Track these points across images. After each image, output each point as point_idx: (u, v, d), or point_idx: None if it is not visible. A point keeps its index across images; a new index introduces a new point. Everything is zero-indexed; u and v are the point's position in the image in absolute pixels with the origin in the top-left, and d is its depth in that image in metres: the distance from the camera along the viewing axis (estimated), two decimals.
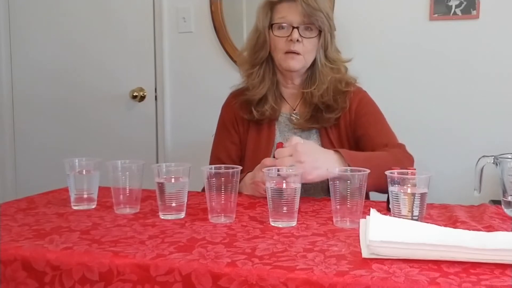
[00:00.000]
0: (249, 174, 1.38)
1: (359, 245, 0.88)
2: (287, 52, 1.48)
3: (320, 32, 1.49)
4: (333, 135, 1.53)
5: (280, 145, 1.30)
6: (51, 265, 0.85)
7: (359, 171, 1.05)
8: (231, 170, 1.08)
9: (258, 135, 1.56)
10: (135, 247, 0.89)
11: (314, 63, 1.53)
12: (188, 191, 1.13)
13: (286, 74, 1.55)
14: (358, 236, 0.92)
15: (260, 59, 1.54)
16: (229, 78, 2.27)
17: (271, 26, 1.51)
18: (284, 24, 1.49)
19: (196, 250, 0.87)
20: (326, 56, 1.53)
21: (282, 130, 1.56)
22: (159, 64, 2.41)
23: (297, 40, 1.46)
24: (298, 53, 1.48)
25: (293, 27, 1.47)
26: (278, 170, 1.07)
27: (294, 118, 1.56)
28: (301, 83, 1.57)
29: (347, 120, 1.53)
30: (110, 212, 1.16)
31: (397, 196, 1.02)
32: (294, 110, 1.57)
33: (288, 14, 1.48)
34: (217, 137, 1.67)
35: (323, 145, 1.51)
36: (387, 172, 1.04)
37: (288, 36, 1.47)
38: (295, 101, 1.58)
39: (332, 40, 1.54)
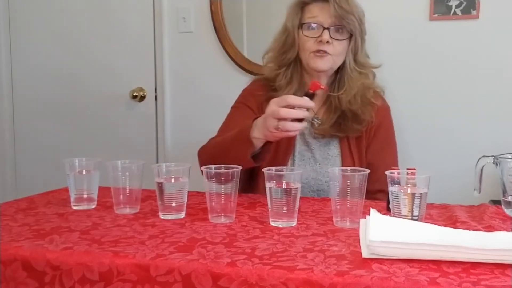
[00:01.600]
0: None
1: (359, 245, 0.88)
2: (315, 52, 1.46)
3: (351, 35, 1.47)
4: (353, 146, 1.50)
5: (316, 84, 1.27)
6: (51, 265, 0.85)
7: (359, 171, 1.05)
8: (231, 170, 1.08)
9: None
10: (135, 247, 0.89)
11: (342, 66, 1.50)
12: (188, 191, 1.13)
13: (314, 74, 1.51)
14: (358, 236, 0.92)
15: (288, 59, 1.52)
16: (229, 78, 2.29)
17: (301, 25, 1.48)
18: (314, 25, 1.46)
19: (196, 250, 0.87)
20: (355, 60, 1.51)
21: (302, 132, 1.50)
22: (159, 64, 2.41)
23: (327, 42, 1.44)
24: (327, 53, 1.45)
25: (324, 28, 1.44)
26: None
27: (315, 123, 1.52)
28: (327, 86, 1.52)
29: (369, 136, 1.51)
30: (110, 212, 1.16)
31: (397, 196, 1.02)
32: (316, 114, 1.53)
33: (319, 14, 1.46)
34: (233, 115, 1.59)
35: (342, 155, 1.49)
36: (387, 172, 1.04)
37: (318, 36, 1.45)
38: (318, 104, 1.52)
39: (362, 45, 1.52)
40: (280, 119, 1.19)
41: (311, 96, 1.25)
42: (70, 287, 0.84)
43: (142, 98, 2.44)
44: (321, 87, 1.28)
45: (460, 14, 1.95)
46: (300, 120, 1.21)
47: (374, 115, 1.50)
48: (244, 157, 1.27)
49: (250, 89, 1.63)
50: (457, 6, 1.95)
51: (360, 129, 1.49)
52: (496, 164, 1.11)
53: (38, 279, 0.86)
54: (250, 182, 1.49)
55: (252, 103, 1.57)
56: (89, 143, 2.54)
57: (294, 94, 1.46)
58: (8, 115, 2.72)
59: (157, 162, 2.43)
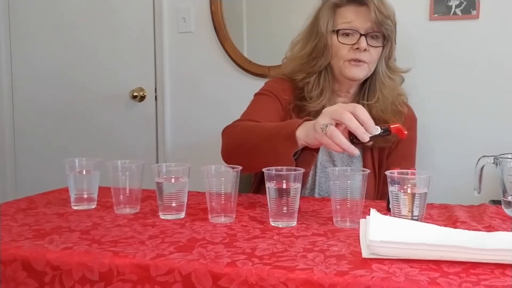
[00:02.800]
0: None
1: (359, 245, 0.88)
2: (351, 60, 1.39)
3: (387, 41, 1.41)
4: (376, 159, 1.45)
5: (402, 132, 1.10)
6: (51, 265, 0.85)
7: (360, 171, 1.05)
8: (231, 170, 1.08)
9: None
10: (135, 247, 0.89)
11: (373, 72, 1.44)
12: (188, 191, 1.13)
13: (345, 83, 1.45)
14: (358, 236, 0.92)
15: (319, 67, 1.43)
16: (229, 78, 2.29)
17: (337, 31, 1.39)
18: (349, 31, 1.39)
19: (196, 250, 0.87)
20: (387, 66, 1.45)
21: None
22: (159, 64, 2.41)
23: (364, 49, 1.37)
24: (363, 61, 1.39)
25: (361, 34, 1.37)
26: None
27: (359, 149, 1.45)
28: (356, 93, 1.48)
29: (391, 145, 1.45)
30: (110, 212, 1.16)
31: (397, 196, 1.02)
32: None
33: (356, 19, 1.38)
34: (262, 102, 1.46)
35: (364, 164, 1.44)
36: (387, 172, 1.04)
37: (354, 44, 1.38)
38: None
39: (394, 50, 1.46)
40: (339, 122, 1.06)
41: (383, 133, 1.08)
42: (70, 287, 0.84)
43: (142, 98, 2.45)
44: (404, 134, 1.10)
45: (460, 14, 1.95)
46: (353, 139, 1.07)
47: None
48: (285, 154, 1.13)
49: (278, 85, 1.49)
50: (457, 6, 1.95)
51: (392, 140, 1.42)
52: (496, 164, 1.11)
53: (38, 279, 0.86)
54: (260, 186, 1.46)
55: (282, 97, 1.46)
56: (89, 143, 2.55)
57: (325, 105, 1.36)
58: (8, 115, 2.72)
59: (157, 162, 2.43)
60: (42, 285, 0.85)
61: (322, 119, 1.07)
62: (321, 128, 1.06)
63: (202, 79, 2.35)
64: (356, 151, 1.06)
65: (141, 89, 2.45)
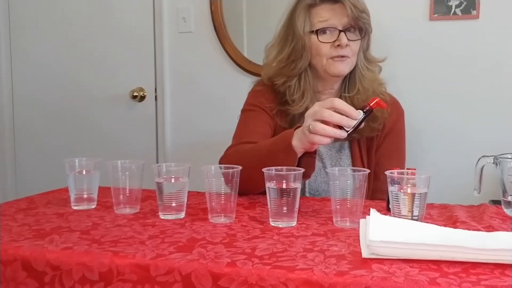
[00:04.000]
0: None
1: (359, 245, 0.88)
2: (335, 57, 1.39)
3: (364, 34, 1.42)
4: (364, 150, 1.46)
5: (381, 104, 1.14)
6: (51, 265, 0.85)
7: (360, 171, 1.05)
8: (231, 170, 1.08)
9: None
10: (135, 247, 0.89)
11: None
12: (188, 191, 1.13)
13: (329, 80, 1.45)
14: (358, 236, 0.92)
15: (299, 69, 1.43)
16: (229, 78, 2.29)
17: (316, 31, 1.39)
18: (327, 28, 1.39)
19: (196, 250, 0.87)
20: (365, 58, 1.46)
21: None
22: (159, 64, 2.41)
23: (346, 45, 1.37)
24: (346, 56, 1.39)
25: (340, 31, 1.38)
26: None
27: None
28: (338, 89, 1.48)
29: (379, 138, 1.46)
30: (110, 212, 1.16)
31: (397, 196, 1.02)
32: None
33: (332, 17, 1.39)
34: (250, 119, 1.47)
35: (353, 161, 1.45)
36: (387, 172, 1.04)
37: (335, 41, 1.38)
38: None
39: (371, 41, 1.47)
40: (321, 121, 1.11)
41: (366, 113, 1.13)
42: (70, 287, 0.84)
43: (142, 98, 2.45)
44: (385, 104, 1.15)
45: (460, 14, 1.95)
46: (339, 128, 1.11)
47: (386, 112, 1.42)
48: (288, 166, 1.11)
49: (260, 92, 1.51)
50: (457, 6, 1.95)
51: (377, 127, 1.43)
52: (496, 164, 1.11)
53: (38, 279, 0.86)
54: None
55: (265, 107, 1.47)
56: (89, 143, 2.55)
57: (307, 107, 1.37)
58: (8, 115, 2.72)
59: (157, 162, 2.43)
60: (42, 285, 0.85)
61: (306, 123, 1.13)
62: (307, 129, 1.13)
63: (202, 79, 2.34)
64: (343, 133, 1.12)
65: (141, 89, 2.44)
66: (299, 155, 1.19)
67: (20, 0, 2.65)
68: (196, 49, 2.34)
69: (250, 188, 1.26)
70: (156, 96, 2.44)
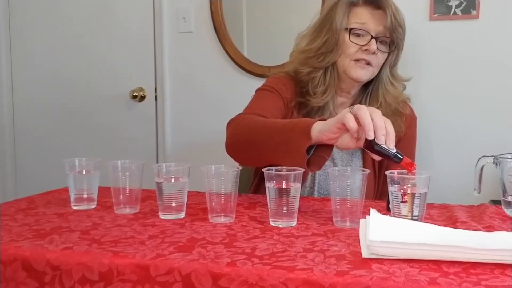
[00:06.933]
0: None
1: (359, 245, 0.88)
2: (358, 60, 1.39)
3: (395, 47, 1.41)
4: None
5: (411, 169, 1.05)
6: (51, 265, 0.85)
7: (359, 171, 1.05)
8: (231, 170, 1.08)
9: None
10: (135, 247, 0.89)
11: (376, 78, 1.44)
12: (188, 191, 1.13)
13: (347, 82, 1.44)
14: (358, 236, 0.92)
15: (326, 62, 1.42)
16: (229, 78, 2.29)
17: (349, 30, 1.39)
18: (361, 31, 1.39)
19: (196, 250, 0.87)
20: (391, 73, 1.45)
21: None
22: (159, 64, 2.41)
23: (373, 52, 1.37)
24: (370, 64, 1.39)
25: (372, 37, 1.37)
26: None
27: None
28: (356, 95, 1.48)
29: None
30: (110, 212, 1.16)
31: (397, 196, 1.02)
32: None
33: (369, 21, 1.38)
34: (265, 98, 1.44)
35: (364, 163, 1.44)
36: (387, 172, 1.04)
37: (364, 45, 1.38)
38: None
39: (399, 58, 1.46)
40: (358, 121, 1.05)
41: (395, 158, 1.05)
42: (70, 287, 0.84)
43: (142, 98, 2.45)
44: (412, 171, 1.04)
45: (460, 14, 1.95)
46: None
47: (403, 125, 1.44)
48: (298, 148, 1.10)
49: (281, 80, 1.48)
50: (457, 6, 1.95)
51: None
52: (496, 164, 1.11)
53: (38, 279, 0.86)
54: (259, 186, 1.46)
55: (283, 95, 1.44)
56: (89, 143, 2.55)
57: (327, 102, 1.37)
58: (8, 115, 2.72)
59: (157, 162, 2.43)
60: (42, 285, 0.85)
61: (343, 115, 1.06)
62: (350, 110, 1.06)
63: (202, 79, 2.34)
64: (362, 143, 1.07)
65: (141, 89, 2.44)
66: (313, 141, 1.11)
67: (20, 0, 2.65)
68: (196, 49, 2.34)
69: (251, 158, 1.20)
70: (156, 96, 2.44)
